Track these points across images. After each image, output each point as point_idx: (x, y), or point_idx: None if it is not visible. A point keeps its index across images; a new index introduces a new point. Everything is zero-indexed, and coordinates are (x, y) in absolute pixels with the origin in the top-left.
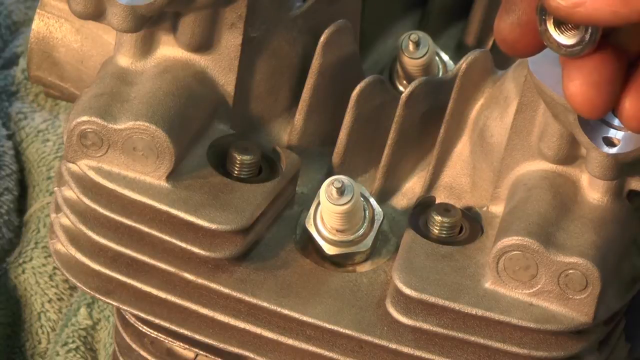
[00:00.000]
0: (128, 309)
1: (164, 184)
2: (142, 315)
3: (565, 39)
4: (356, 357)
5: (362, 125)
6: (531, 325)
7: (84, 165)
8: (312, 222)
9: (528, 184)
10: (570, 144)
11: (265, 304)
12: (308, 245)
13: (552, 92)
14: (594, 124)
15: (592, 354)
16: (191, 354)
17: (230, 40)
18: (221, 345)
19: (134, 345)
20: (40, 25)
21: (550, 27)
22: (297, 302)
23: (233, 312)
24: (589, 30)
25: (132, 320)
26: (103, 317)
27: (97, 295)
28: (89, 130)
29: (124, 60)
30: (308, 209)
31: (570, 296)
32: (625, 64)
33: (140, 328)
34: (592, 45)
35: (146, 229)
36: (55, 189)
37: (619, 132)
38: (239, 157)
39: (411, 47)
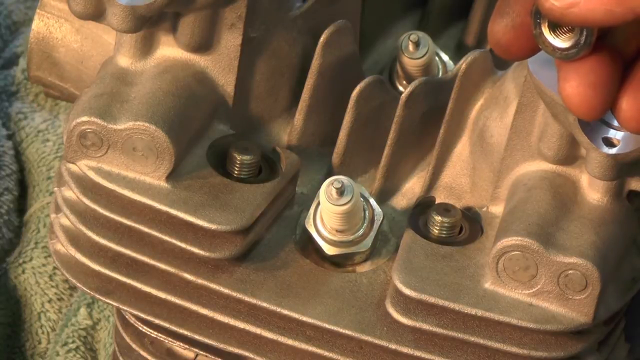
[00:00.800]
0: (128, 309)
1: (163, 184)
2: (142, 315)
3: (561, 42)
4: (356, 357)
5: (362, 126)
6: (531, 326)
7: (84, 166)
8: (312, 222)
9: (528, 184)
10: (570, 145)
11: (265, 304)
12: (308, 245)
13: (551, 93)
14: (593, 124)
15: (592, 354)
16: (191, 354)
17: (230, 41)
18: (221, 346)
19: (134, 345)
20: (40, 25)
21: (545, 31)
22: (297, 303)
23: (233, 312)
24: (584, 33)
25: (132, 320)
26: (103, 317)
27: (97, 296)
28: (88, 130)
29: (124, 61)
30: (308, 209)
31: (570, 296)
32: (622, 65)
33: (140, 328)
34: (588, 48)
35: (146, 229)
36: (55, 189)
37: (618, 132)
38: (239, 157)
39: (411, 47)
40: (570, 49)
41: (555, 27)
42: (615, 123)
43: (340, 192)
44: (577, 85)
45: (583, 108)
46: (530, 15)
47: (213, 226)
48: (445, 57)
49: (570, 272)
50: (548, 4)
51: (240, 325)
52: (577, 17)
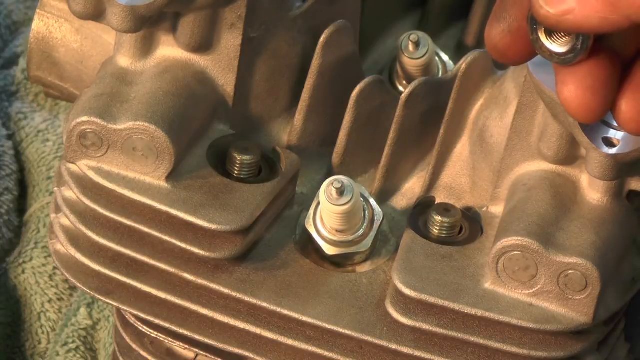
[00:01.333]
0: (128, 309)
1: (163, 184)
2: (142, 315)
3: (558, 47)
4: (356, 357)
5: (361, 126)
6: (531, 326)
7: (84, 166)
8: (312, 222)
9: (528, 184)
10: (570, 145)
11: (265, 304)
12: (308, 245)
13: (551, 93)
14: (593, 124)
15: (592, 354)
16: (191, 354)
17: (230, 41)
18: (221, 346)
19: (134, 345)
20: (40, 25)
21: (542, 36)
22: (297, 303)
23: (233, 312)
24: (581, 38)
25: (132, 320)
26: (103, 317)
27: (97, 296)
28: (88, 130)
29: (124, 61)
30: (308, 209)
31: (570, 296)
32: (620, 67)
33: (140, 328)
34: (585, 52)
35: (146, 229)
36: (55, 189)
37: (618, 132)
38: (239, 157)
39: (411, 47)
40: (567, 54)
41: (551, 32)
42: (615, 123)
43: (340, 192)
44: (575, 89)
45: (582, 111)
46: (526, 21)
47: (213, 226)
48: (445, 57)
49: (570, 272)
50: (543, 11)
51: (240, 325)
52: (572, 25)
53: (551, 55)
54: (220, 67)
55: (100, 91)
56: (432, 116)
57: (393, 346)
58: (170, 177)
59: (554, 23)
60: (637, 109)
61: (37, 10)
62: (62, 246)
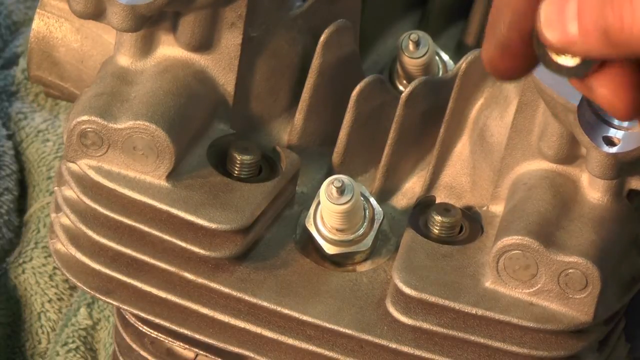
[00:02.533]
0: (128, 309)
1: (164, 183)
2: (142, 315)
3: (566, 60)
4: (356, 356)
5: (362, 125)
6: (531, 325)
7: (84, 165)
8: (312, 221)
9: (528, 184)
10: (570, 144)
11: (265, 304)
12: (308, 244)
13: (552, 92)
14: (594, 123)
15: (592, 353)
16: (191, 354)
17: (230, 40)
18: (221, 345)
19: (134, 345)
20: (40, 25)
21: (550, 51)
22: (297, 302)
23: (233, 311)
24: None
25: (132, 320)
26: (103, 317)
27: (97, 295)
28: (89, 129)
29: (124, 60)
30: (308, 209)
31: (570, 295)
32: None
33: (140, 328)
34: (595, 64)
35: (146, 229)
36: (55, 188)
37: (619, 131)
38: (239, 157)
39: (411, 46)
40: (576, 68)
41: None
42: (616, 122)
43: (341, 191)
44: (612, 89)
45: (623, 110)
46: (531, 38)
47: (213, 225)
48: (445, 57)
49: (570, 271)
50: (548, 43)
51: (241, 324)
52: (578, 52)
53: (560, 69)
54: (221, 66)
55: (100, 90)
56: (432, 116)
57: (393, 345)
58: (171, 176)
59: (562, 51)
60: None
61: (37, 10)
62: (63, 245)
